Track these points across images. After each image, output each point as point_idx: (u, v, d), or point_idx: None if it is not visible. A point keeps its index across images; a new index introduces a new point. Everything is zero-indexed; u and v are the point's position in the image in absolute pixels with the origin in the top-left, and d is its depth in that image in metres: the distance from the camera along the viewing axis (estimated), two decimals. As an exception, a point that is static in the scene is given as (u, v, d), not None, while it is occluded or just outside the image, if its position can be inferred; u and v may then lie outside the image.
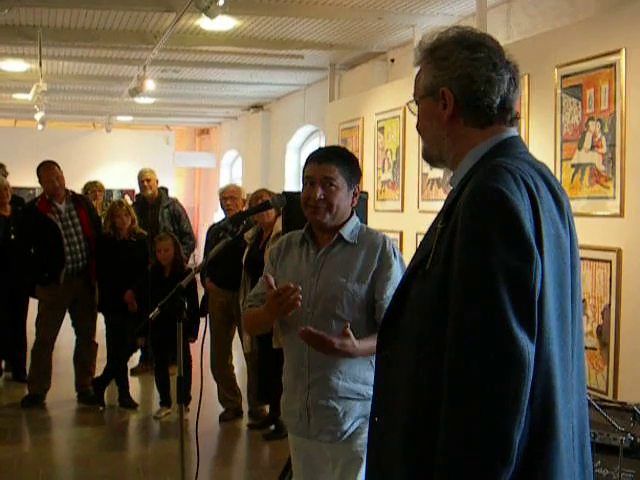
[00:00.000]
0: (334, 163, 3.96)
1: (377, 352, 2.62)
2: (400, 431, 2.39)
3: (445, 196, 2.58)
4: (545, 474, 2.23)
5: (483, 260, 2.16)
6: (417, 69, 2.60)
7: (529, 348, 2.12)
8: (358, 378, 3.89)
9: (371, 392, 2.72)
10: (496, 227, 2.16)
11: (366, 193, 5.80)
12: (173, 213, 10.86)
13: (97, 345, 9.35)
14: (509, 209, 2.16)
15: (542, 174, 2.35)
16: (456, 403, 2.17)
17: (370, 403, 2.69)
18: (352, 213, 4.09)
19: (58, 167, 8.98)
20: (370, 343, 3.36)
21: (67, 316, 9.17)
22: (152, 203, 10.86)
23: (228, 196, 8.82)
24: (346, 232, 4.01)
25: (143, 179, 10.98)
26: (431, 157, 2.61)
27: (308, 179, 4.00)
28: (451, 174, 2.54)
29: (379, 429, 2.55)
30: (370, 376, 2.75)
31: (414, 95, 2.59)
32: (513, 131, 2.48)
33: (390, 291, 3.83)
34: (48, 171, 8.92)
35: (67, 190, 9.05)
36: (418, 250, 2.51)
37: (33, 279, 9.02)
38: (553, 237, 2.26)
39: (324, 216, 3.97)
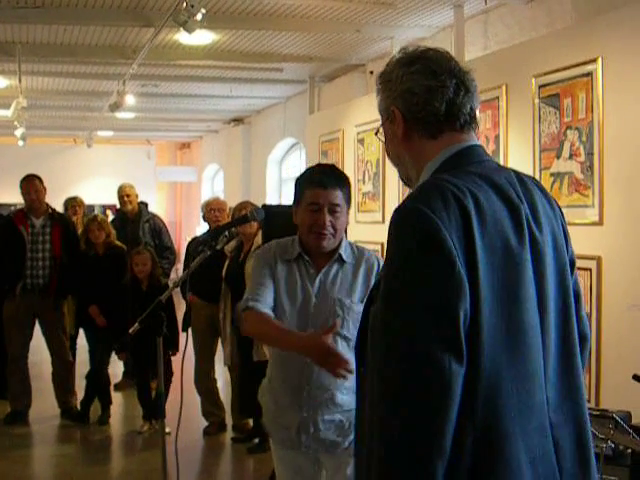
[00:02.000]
0: (338, 188, 3.96)
1: (356, 370, 2.61)
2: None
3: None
4: None
5: (399, 282, 2.15)
6: None
7: (455, 369, 2.08)
8: None
9: None
10: (412, 247, 2.15)
11: (346, 205, 5.81)
12: (154, 228, 10.86)
13: (72, 362, 9.33)
14: (426, 228, 2.13)
15: (494, 185, 2.32)
16: (378, 432, 2.14)
17: None
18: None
19: (40, 181, 8.97)
20: None
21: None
22: (132, 218, 10.87)
23: (216, 207, 8.82)
24: (345, 253, 4.05)
25: (123, 194, 10.99)
26: (403, 178, 2.61)
27: (313, 205, 3.95)
28: None
29: (359, 450, 2.50)
30: None
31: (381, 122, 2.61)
32: (468, 139, 2.45)
33: None
34: (27, 184, 8.93)
35: (48, 206, 9.03)
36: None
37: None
38: (499, 250, 2.22)
39: (329, 241, 3.98)
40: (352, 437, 3.89)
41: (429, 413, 2.07)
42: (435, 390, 2.06)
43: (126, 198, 10.96)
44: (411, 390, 2.07)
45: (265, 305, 3.95)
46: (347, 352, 3.77)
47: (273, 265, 4.06)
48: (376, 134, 2.65)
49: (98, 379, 9.05)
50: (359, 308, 3.75)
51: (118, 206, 11.48)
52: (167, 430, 8.47)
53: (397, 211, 2.23)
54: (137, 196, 11.16)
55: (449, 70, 2.42)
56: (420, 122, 2.42)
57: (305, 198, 3.98)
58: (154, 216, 11.27)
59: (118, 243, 9.20)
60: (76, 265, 8.94)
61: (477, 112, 2.49)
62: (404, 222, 2.20)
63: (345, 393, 3.94)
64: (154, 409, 8.22)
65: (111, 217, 10.88)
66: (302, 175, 4.14)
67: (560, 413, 2.33)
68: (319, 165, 4.40)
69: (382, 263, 3.87)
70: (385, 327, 2.15)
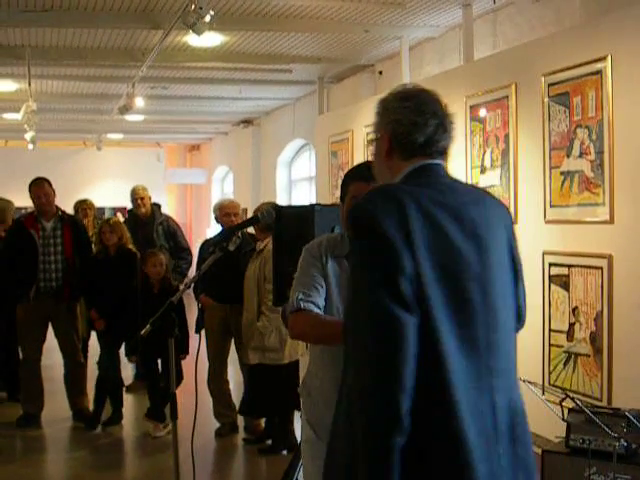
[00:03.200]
0: None
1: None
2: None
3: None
4: (438, 435, 2.64)
5: (356, 261, 2.77)
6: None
7: (404, 318, 2.58)
8: None
9: None
10: (359, 232, 2.76)
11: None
12: (167, 230, 10.83)
13: (84, 364, 9.34)
14: (369, 219, 2.71)
15: (439, 190, 2.87)
16: (351, 375, 2.68)
17: None
18: None
19: (49, 184, 8.96)
20: None
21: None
22: (145, 220, 10.84)
23: (232, 212, 8.73)
24: None
25: (136, 197, 10.95)
26: None
27: (356, 198, 3.78)
28: None
29: (337, 416, 2.94)
30: None
31: None
32: (433, 160, 2.98)
33: None
34: (37, 187, 8.92)
35: (58, 209, 9.03)
36: None
37: (11, 295, 9.02)
38: (437, 238, 2.73)
39: None
40: None
41: (388, 353, 2.57)
42: (391, 334, 2.58)
43: (139, 201, 10.93)
44: (373, 335, 2.60)
45: (317, 308, 3.87)
46: None
47: (324, 262, 3.98)
48: (368, 145, 3.24)
49: (106, 382, 9.05)
50: None
51: (129, 208, 11.46)
52: (160, 433, 8.48)
53: (350, 209, 2.93)
54: (150, 198, 11.14)
55: (434, 112, 2.99)
56: (401, 147, 2.99)
57: (349, 192, 3.97)
58: (168, 218, 11.24)
59: (131, 247, 9.17)
60: (87, 267, 8.96)
61: (449, 148, 3.04)
62: (354, 216, 2.81)
63: None
64: (162, 410, 8.26)
65: (121, 219, 10.83)
66: (348, 171, 4.18)
67: (501, 381, 2.82)
68: (367, 161, 4.37)
69: None
70: (353, 293, 2.75)
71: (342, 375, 2.89)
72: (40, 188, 8.91)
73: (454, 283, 2.73)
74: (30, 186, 8.97)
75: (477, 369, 2.74)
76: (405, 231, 2.66)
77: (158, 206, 11.35)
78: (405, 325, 2.58)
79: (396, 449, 2.55)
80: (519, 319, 3.13)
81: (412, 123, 2.96)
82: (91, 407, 9.18)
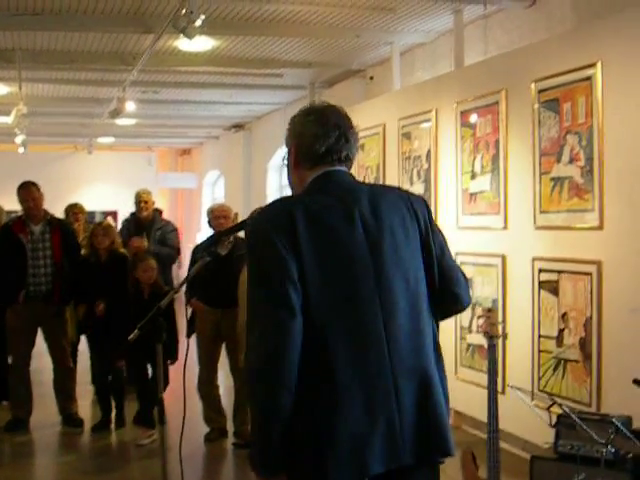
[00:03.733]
0: None
1: None
2: None
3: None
4: (325, 398, 2.97)
5: (250, 268, 3.12)
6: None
7: (289, 320, 2.93)
8: None
9: None
10: (253, 245, 3.13)
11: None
12: (164, 235, 10.83)
13: (73, 369, 9.31)
14: (260, 232, 3.10)
15: (334, 195, 3.18)
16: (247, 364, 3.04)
17: None
18: None
19: (37, 188, 8.90)
20: None
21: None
22: (146, 224, 10.84)
23: (221, 215, 8.71)
24: None
25: (140, 200, 10.96)
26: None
27: None
28: None
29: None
30: None
31: None
32: (334, 167, 3.29)
33: None
34: (24, 191, 8.87)
35: (46, 212, 8.99)
36: None
37: (1, 300, 8.98)
38: (327, 239, 3.07)
39: None
40: None
41: (273, 351, 2.92)
42: (274, 332, 2.93)
43: (143, 204, 10.95)
44: (261, 333, 2.96)
45: None
46: None
47: None
48: (283, 160, 3.48)
49: (99, 385, 9.05)
50: None
51: (119, 213, 11.50)
52: (144, 442, 8.43)
53: (249, 223, 3.33)
54: (154, 203, 11.17)
55: (335, 123, 3.29)
56: (305, 157, 3.31)
57: None
58: (168, 223, 11.25)
59: (123, 251, 9.14)
60: (77, 271, 8.91)
61: (353, 156, 3.35)
62: (250, 229, 3.23)
63: None
64: (151, 416, 8.23)
65: (113, 223, 10.78)
66: None
67: (405, 362, 3.09)
68: None
69: None
70: (249, 297, 3.08)
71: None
72: (27, 192, 8.86)
73: (342, 277, 3.07)
74: (18, 190, 8.91)
75: (373, 353, 3.04)
76: (293, 241, 3.01)
77: (159, 212, 11.36)
78: (290, 328, 2.93)
79: (277, 435, 2.94)
80: (459, 299, 3.38)
81: (314, 135, 3.27)
82: (80, 412, 9.16)
